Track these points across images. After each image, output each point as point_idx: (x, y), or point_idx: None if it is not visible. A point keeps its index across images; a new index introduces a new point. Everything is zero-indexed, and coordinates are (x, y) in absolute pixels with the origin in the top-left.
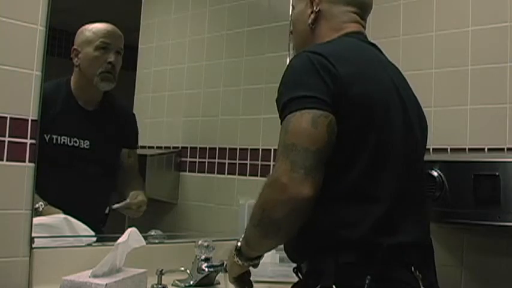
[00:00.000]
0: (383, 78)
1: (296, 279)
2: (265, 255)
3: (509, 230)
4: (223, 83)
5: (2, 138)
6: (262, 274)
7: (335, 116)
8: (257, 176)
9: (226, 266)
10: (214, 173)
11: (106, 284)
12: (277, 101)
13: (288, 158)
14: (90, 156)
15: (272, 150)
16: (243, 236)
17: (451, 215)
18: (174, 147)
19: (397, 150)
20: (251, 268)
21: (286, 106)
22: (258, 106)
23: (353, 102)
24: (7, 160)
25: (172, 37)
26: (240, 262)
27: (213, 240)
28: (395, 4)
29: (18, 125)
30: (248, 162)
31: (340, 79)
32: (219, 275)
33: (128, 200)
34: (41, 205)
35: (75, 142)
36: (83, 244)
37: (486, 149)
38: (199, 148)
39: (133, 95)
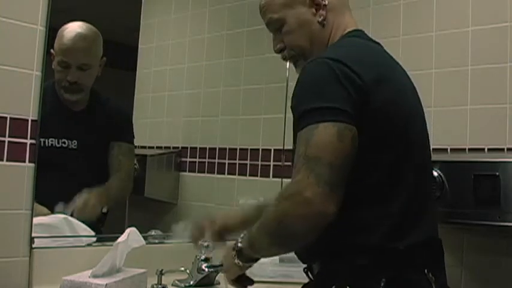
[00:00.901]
0: (401, 81)
1: (299, 279)
2: None
3: (509, 230)
4: (223, 83)
5: (2, 138)
6: (262, 274)
7: (357, 124)
8: (257, 176)
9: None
10: (214, 173)
11: (106, 284)
12: (293, 108)
13: (313, 172)
14: (79, 156)
15: (272, 151)
16: (242, 236)
17: (451, 215)
18: (174, 148)
19: (416, 155)
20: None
21: (306, 116)
22: (258, 106)
23: (376, 109)
24: (7, 160)
25: (173, 37)
26: (240, 264)
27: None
28: (396, 4)
29: (18, 125)
30: (248, 162)
31: (364, 87)
32: (219, 275)
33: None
34: None
35: (64, 143)
36: (83, 244)
37: (486, 149)
38: (199, 148)
39: (133, 95)
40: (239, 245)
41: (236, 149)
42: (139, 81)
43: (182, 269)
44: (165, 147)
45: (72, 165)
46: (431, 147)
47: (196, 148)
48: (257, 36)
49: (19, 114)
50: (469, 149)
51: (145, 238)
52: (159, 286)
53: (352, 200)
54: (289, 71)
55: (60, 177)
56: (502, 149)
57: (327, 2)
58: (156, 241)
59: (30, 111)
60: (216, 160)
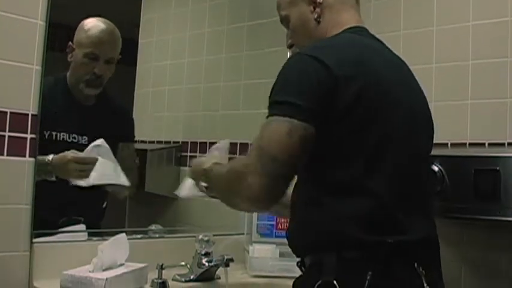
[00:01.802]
0: (385, 76)
1: (298, 274)
2: (265, 250)
3: (509, 225)
4: (223, 77)
5: (2, 133)
6: (262, 269)
7: (330, 117)
8: None
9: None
10: None
11: (106, 279)
12: (268, 98)
13: (259, 162)
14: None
15: None
16: (213, 163)
17: (451, 209)
18: (174, 142)
19: (399, 147)
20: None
21: (271, 107)
22: (258, 101)
23: (351, 102)
24: (7, 155)
25: (173, 32)
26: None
27: (214, 235)
28: None
29: (18, 120)
30: None
31: (336, 80)
32: (219, 269)
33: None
34: (49, 159)
35: (74, 138)
36: (83, 239)
37: (487, 144)
38: (200, 143)
39: (134, 90)
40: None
41: (236, 144)
42: (139, 76)
43: (183, 263)
44: (166, 142)
45: None
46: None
47: (196, 143)
48: (257, 31)
49: (19, 109)
50: (470, 144)
51: (145, 233)
52: (160, 280)
53: (339, 192)
54: None
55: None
56: (503, 144)
57: (321, 0)
58: (157, 236)
59: (31, 106)
60: None
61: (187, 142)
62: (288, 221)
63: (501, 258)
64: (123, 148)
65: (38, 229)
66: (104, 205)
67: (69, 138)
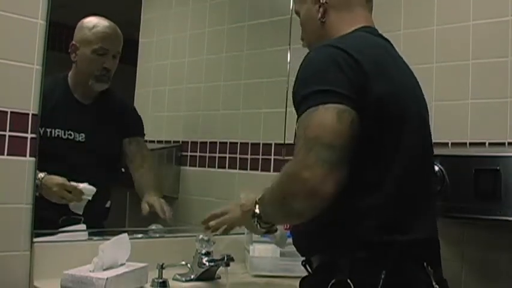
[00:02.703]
0: (401, 76)
1: (299, 273)
2: (266, 249)
3: (509, 225)
4: (224, 77)
5: (3, 133)
6: (263, 268)
7: (357, 111)
8: (258, 170)
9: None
10: (215, 167)
11: (107, 278)
12: (295, 93)
13: (312, 151)
14: (86, 149)
15: (273, 145)
16: (256, 204)
17: (451, 209)
18: (174, 142)
19: (412, 149)
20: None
21: (307, 99)
22: (259, 100)
23: (375, 98)
24: (8, 154)
25: (173, 31)
26: (261, 228)
27: (214, 235)
28: None
29: (18, 120)
30: (249, 156)
31: (364, 76)
32: (219, 269)
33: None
34: (41, 176)
35: (70, 135)
36: (84, 238)
37: (487, 144)
38: (200, 142)
39: (134, 90)
40: (256, 211)
41: (237, 143)
42: (140, 75)
43: (183, 263)
44: (166, 142)
45: (79, 158)
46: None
47: (197, 142)
48: (258, 30)
49: (20, 109)
50: (470, 143)
51: (146, 232)
52: (160, 280)
53: (350, 193)
54: (290, 65)
55: (65, 169)
56: (503, 144)
57: (324, 1)
58: (157, 235)
59: (31, 106)
60: (217, 154)
61: (188, 142)
62: None
63: (501, 258)
64: (130, 142)
65: (39, 229)
66: (107, 205)
67: (64, 134)
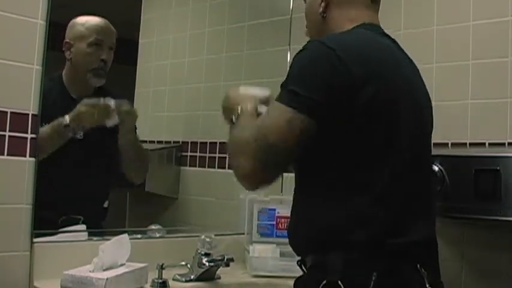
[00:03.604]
0: (396, 78)
1: (299, 273)
2: (266, 250)
3: (509, 225)
4: (224, 77)
5: (3, 133)
6: (263, 269)
7: (340, 114)
8: None
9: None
10: (215, 167)
11: (107, 278)
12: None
13: (257, 142)
14: (85, 147)
15: None
16: (237, 118)
17: (451, 209)
18: (174, 142)
19: (406, 151)
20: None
21: (280, 93)
22: None
23: (365, 99)
24: (8, 155)
25: (173, 31)
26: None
27: (214, 235)
28: None
29: (18, 120)
30: None
31: (351, 79)
32: (219, 269)
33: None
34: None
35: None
36: (84, 238)
37: (487, 144)
38: (200, 142)
39: (134, 90)
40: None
41: None
42: (139, 75)
43: (183, 263)
44: (166, 142)
45: (77, 155)
46: (432, 141)
47: (196, 142)
48: (258, 30)
49: (20, 109)
50: (470, 144)
51: (145, 233)
52: (160, 280)
53: (344, 193)
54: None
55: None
56: (503, 144)
57: None
58: (157, 235)
59: (31, 106)
60: (217, 154)
61: (188, 142)
62: (289, 219)
63: (501, 258)
64: (130, 141)
65: (39, 229)
66: (106, 205)
67: None
